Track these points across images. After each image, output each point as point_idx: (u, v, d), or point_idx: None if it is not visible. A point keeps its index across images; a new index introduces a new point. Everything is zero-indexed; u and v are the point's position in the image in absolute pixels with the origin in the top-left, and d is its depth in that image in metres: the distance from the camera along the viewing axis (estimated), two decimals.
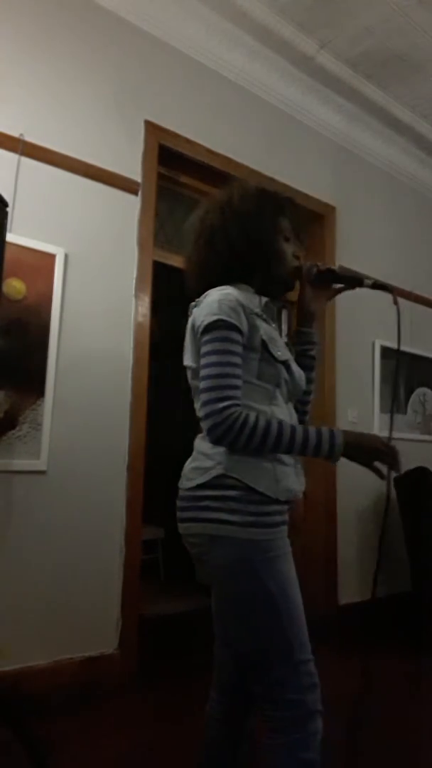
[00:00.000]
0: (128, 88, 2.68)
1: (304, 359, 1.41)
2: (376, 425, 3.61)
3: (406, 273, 3.92)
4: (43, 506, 2.25)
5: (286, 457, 1.21)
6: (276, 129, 3.31)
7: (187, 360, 1.25)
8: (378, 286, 1.35)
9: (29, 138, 2.34)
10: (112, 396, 2.48)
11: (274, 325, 1.30)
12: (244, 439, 1.11)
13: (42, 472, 2.26)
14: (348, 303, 3.40)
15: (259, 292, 1.29)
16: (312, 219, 3.50)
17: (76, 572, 2.30)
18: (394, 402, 1.42)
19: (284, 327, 3.39)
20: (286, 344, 1.33)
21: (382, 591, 3.50)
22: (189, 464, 1.25)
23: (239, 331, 1.16)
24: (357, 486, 3.43)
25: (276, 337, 1.25)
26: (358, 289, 1.39)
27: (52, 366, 2.30)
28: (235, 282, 1.26)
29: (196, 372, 1.22)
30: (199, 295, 1.26)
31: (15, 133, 2.30)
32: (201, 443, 1.22)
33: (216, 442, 1.13)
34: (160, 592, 3.76)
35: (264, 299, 1.27)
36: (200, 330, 1.18)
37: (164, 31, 2.81)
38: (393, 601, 3.44)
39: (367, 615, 3.30)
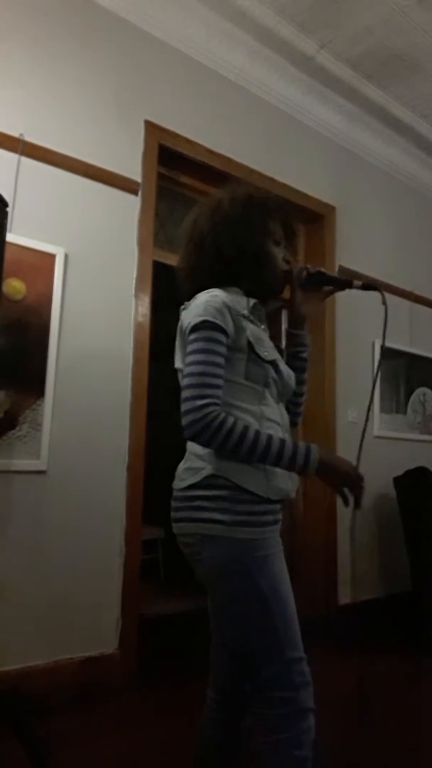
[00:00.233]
0: (128, 88, 2.68)
1: (296, 361, 1.42)
2: (376, 425, 3.61)
3: (406, 273, 3.92)
4: (43, 506, 2.25)
5: None
6: (276, 129, 3.31)
7: (177, 362, 1.27)
8: (367, 287, 1.37)
9: (29, 138, 2.34)
10: (112, 396, 2.48)
11: (263, 327, 1.31)
12: (220, 440, 1.12)
13: (42, 472, 2.26)
14: (348, 303, 3.40)
15: (249, 295, 1.30)
16: (312, 219, 3.51)
17: (76, 572, 2.30)
18: (370, 410, 1.42)
19: (283, 327, 3.39)
20: (276, 346, 1.35)
21: (382, 591, 3.51)
22: (182, 465, 1.26)
23: (224, 332, 1.18)
24: None
25: (263, 337, 1.27)
26: (357, 291, 1.39)
27: (52, 366, 2.30)
28: (225, 285, 1.28)
29: None
30: (189, 298, 1.27)
31: (15, 133, 2.30)
32: (193, 444, 1.23)
33: (192, 438, 1.14)
34: (160, 592, 3.76)
35: (252, 301, 1.28)
36: (187, 331, 1.21)
37: (164, 31, 2.81)
38: (393, 601, 3.45)
39: (367, 615, 3.31)
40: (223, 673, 1.31)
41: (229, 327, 1.18)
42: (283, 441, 1.17)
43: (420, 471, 3.26)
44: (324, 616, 3.08)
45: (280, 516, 1.26)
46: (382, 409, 3.67)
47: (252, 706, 1.19)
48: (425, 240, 4.17)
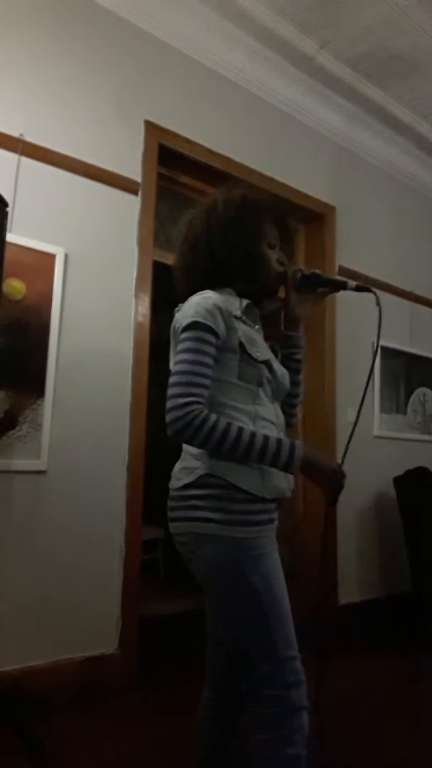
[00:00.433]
0: (128, 88, 2.68)
1: (291, 362, 1.43)
2: (376, 425, 3.61)
3: (406, 273, 3.92)
4: (43, 506, 2.25)
5: None
6: (276, 129, 3.31)
7: (171, 363, 1.27)
8: (360, 288, 1.37)
9: (29, 138, 2.34)
10: (112, 396, 2.48)
11: (257, 327, 1.32)
12: (202, 437, 1.12)
13: (42, 472, 2.26)
14: (348, 304, 3.40)
15: (243, 296, 1.30)
16: (312, 219, 3.51)
17: (76, 572, 2.30)
18: (361, 406, 1.44)
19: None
20: (272, 346, 1.36)
21: (382, 591, 3.51)
22: (178, 465, 1.27)
23: (214, 333, 1.18)
24: (357, 486, 3.43)
25: (256, 338, 1.27)
26: (355, 292, 1.40)
27: (52, 366, 2.30)
28: (219, 286, 1.29)
29: None
30: (185, 298, 1.28)
31: (15, 133, 2.30)
32: (190, 445, 1.23)
33: (174, 436, 1.15)
34: (160, 592, 3.76)
35: (245, 302, 1.29)
36: (178, 332, 1.22)
37: (164, 31, 2.81)
38: (393, 601, 3.45)
39: (367, 615, 3.31)
40: (219, 672, 1.32)
41: (220, 328, 1.19)
42: (267, 437, 1.17)
43: (420, 471, 3.26)
44: (324, 616, 3.08)
45: (275, 515, 1.27)
46: (382, 409, 3.67)
47: (246, 704, 1.19)
48: (425, 240, 4.16)
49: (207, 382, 1.17)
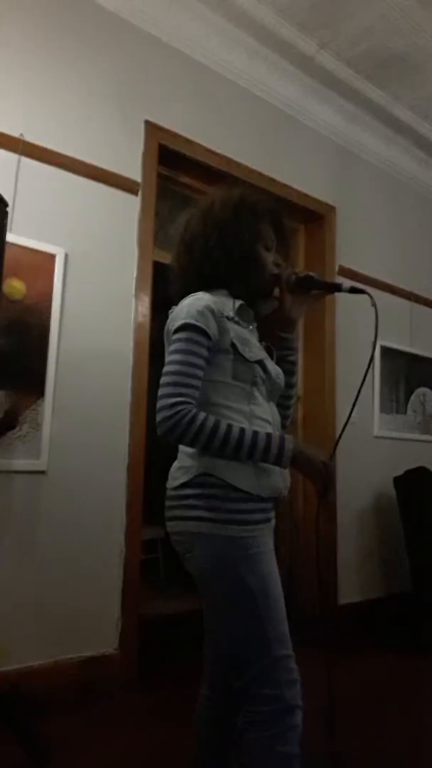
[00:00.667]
0: (128, 88, 2.68)
1: (284, 364, 1.43)
2: (376, 425, 3.61)
3: (406, 273, 3.92)
4: (43, 506, 2.25)
5: None
6: (276, 129, 3.31)
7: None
8: (355, 290, 1.39)
9: (29, 138, 2.34)
10: (112, 396, 2.48)
11: (251, 327, 1.33)
12: (191, 436, 1.13)
13: (42, 472, 2.26)
14: (348, 304, 3.40)
15: (238, 297, 1.31)
16: (312, 219, 3.51)
17: (76, 572, 2.30)
18: (355, 403, 1.45)
19: None
20: (267, 346, 1.36)
21: (382, 591, 3.51)
22: (175, 464, 1.28)
23: (205, 334, 1.19)
24: (357, 486, 3.43)
25: (248, 338, 1.28)
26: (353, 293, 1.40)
27: (52, 366, 2.30)
28: (214, 286, 1.29)
29: None
30: (181, 298, 1.29)
31: (15, 133, 2.30)
32: (182, 445, 1.24)
33: (163, 436, 1.15)
34: (160, 592, 3.76)
35: (238, 302, 1.29)
36: (171, 334, 1.23)
37: (164, 31, 2.81)
38: (393, 601, 3.45)
39: (367, 615, 3.31)
40: (216, 671, 1.32)
41: (212, 329, 1.20)
42: (256, 433, 1.18)
43: (420, 471, 3.26)
44: (323, 616, 3.08)
45: (271, 514, 1.28)
46: (382, 409, 3.67)
47: (239, 703, 1.19)
48: (425, 240, 4.17)
49: (197, 382, 1.17)
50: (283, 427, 1.40)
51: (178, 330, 1.20)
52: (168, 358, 1.20)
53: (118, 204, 2.58)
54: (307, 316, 3.44)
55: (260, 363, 1.27)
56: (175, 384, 1.15)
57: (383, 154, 3.88)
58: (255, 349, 1.28)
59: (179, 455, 1.27)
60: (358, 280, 3.56)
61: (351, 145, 3.71)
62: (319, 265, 3.45)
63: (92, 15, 2.60)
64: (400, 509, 3.31)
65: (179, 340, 1.19)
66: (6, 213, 1.86)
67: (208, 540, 1.16)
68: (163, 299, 1.37)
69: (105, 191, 2.55)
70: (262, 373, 1.27)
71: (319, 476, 1.24)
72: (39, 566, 2.22)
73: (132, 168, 2.64)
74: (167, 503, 1.26)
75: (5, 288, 2.16)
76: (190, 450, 1.22)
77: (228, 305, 1.27)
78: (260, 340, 1.36)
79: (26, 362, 2.25)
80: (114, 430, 2.47)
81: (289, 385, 1.43)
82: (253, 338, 1.31)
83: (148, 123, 2.72)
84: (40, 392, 2.27)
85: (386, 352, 3.71)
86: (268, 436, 1.19)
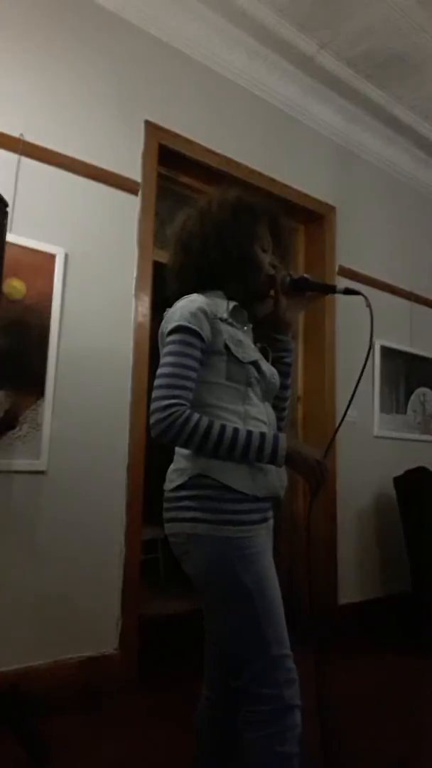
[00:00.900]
0: (128, 88, 2.68)
1: (280, 366, 1.43)
2: (376, 425, 3.61)
3: (406, 273, 3.92)
4: (43, 506, 2.25)
5: None
6: (276, 129, 3.31)
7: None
8: (349, 291, 1.39)
9: (29, 138, 2.34)
10: (112, 396, 2.48)
11: (245, 328, 1.33)
12: (185, 437, 1.14)
13: (42, 472, 2.26)
14: (348, 303, 3.40)
15: (234, 298, 1.31)
16: (312, 219, 3.51)
17: (76, 572, 2.30)
18: (351, 401, 1.46)
19: None
20: (263, 346, 1.37)
21: (381, 591, 3.51)
22: (171, 467, 1.28)
23: (198, 335, 1.19)
24: (357, 486, 3.43)
25: (242, 339, 1.28)
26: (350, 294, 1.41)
27: (52, 366, 2.30)
28: (210, 287, 1.30)
29: None
30: (177, 298, 1.29)
31: (15, 133, 2.30)
32: (176, 446, 1.24)
33: (158, 438, 1.15)
34: (160, 592, 3.76)
35: (232, 304, 1.29)
36: (164, 336, 1.23)
37: (164, 31, 2.81)
38: (393, 601, 3.45)
39: (367, 615, 3.31)
40: (215, 671, 1.32)
41: (205, 331, 1.20)
42: (250, 432, 1.18)
43: (420, 471, 3.26)
44: (323, 616, 3.08)
45: (268, 514, 1.28)
46: (382, 409, 3.67)
47: (238, 703, 1.20)
48: (425, 240, 4.17)
49: (190, 384, 1.17)
50: (279, 429, 1.40)
51: (171, 332, 1.21)
52: (162, 360, 1.20)
53: (118, 204, 2.58)
54: (307, 317, 3.48)
55: (254, 364, 1.27)
56: (168, 386, 1.15)
57: (383, 154, 3.88)
58: (249, 350, 1.28)
59: (175, 457, 1.28)
60: (358, 280, 3.56)
61: (351, 145, 3.71)
62: (319, 265, 3.45)
63: (92, 15, 2.60)
64: (400, 509, 3.31)
65: (172, 342, 1.19)
66: (6, 213, 1.86)
67: (205, 541, 1.17)
68: (163, 299, 1.38)
69: (105, 191, 2.55)
70: (256, 373, 1.27)
71: (312, 475, 1.24)
72: (39, 566, 2.22)
73: (132, 168, 2.64)
74: (164, 505, 1.27)
75: (5, 288, 2.16)
76: (185, 452, 1.23)
77: (222, 306, 1.27)
78: (255, 342, 1.37)
79: (26, 362, 2.25)
80: (114, 430, 2.47)
81: (284, 386, 1.44)
82: (248, 339, 1.31)
83: (148, 123, 2.72)
84: (40, 392, 2.27)
85: (386, 352, 3.71)
86: (262, 435, 1.19)
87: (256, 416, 1.25)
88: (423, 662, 2.81)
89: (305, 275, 1.41)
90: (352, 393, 1.47)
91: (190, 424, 1.13)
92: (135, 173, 2.65)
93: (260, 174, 3.12)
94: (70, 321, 2.38)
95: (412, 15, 2.90)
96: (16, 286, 2.24)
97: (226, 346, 1.23)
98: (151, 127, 2.72)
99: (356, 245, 3.65)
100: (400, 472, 3.32)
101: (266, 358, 1.37)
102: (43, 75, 2.43)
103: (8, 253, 1.98)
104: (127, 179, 2.61)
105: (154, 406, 1.15)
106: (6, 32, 2.35)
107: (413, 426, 3.88)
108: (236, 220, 1.30)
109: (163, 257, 2.91)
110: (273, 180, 3.18)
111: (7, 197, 1.96)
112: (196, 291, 1.28)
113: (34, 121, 2.37)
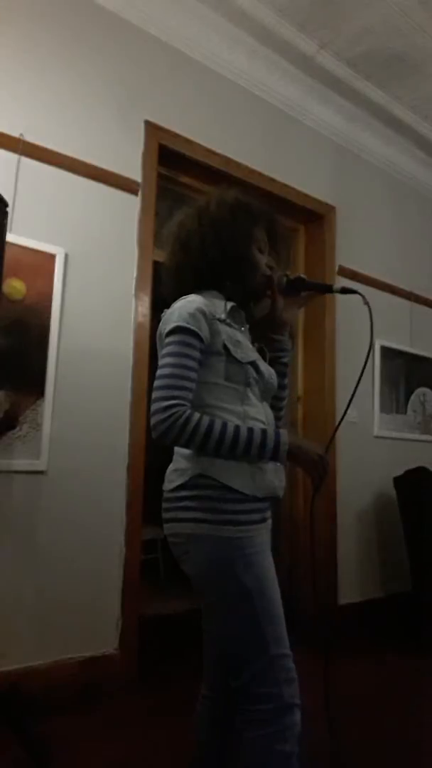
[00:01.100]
0: (128, 88, 2.68)
1: (277, 366, 1.43)
2: (376, 425, 3.61)
3: (406, 273, 3.92)
4: (43, 506, 2.25)
5: None
6: (276, 129, 3.31)
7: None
8: (346, 290, 1.40)
9: (29, 138, 2.34)
10: (112, 396, 2.48)
11: (243, 329, 1.34)
12: (187, 437, 1.14)
13: (42, 472, 2.26)
14: (348, 303, 3.40)
15: (231, 298, 1.32)
16: (312, 219, 3.51)
17: (76, 572, 2.30)
18: (351, 400, 1.47)
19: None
20: (260, 347, 1.37)
21: (381, 591, 3.51)
22: (170, 467, 1.28)
23: (197, 336, 1.20)
24: (357, 486, 3.43)
25: (241, 339, 1.28)
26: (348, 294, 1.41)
27: (52, 366, 2.30)
28: (207, 286, 1.30)
29: None
30: (173, 297, 1.30)
31: (15, 133, 2.30)
32: (177, 447, 1.24)
33: (159, 439, 1.15)
34: (160, 592, 3.76)
35: (230, 304, 1.30)
36: (163, 337, 1.23)
37: (164, 32, 2.81)
38: (393, 601, 3.45)
39: (367, 615, 3.30)
40: (214, 671, 1.33)
41: (204, 331, 1.20)
42: (251, 429, 1.18)
43: (420, 471, 3.26)
44: (323, 616, 3.08)
45: (267, 514, 1.28)
46: (382, 409, 3.67)
47: (238, 702, 1.20)
48: (425, 240, 4.16)
49: (190, 384, 1.18)
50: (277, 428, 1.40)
51: (170, 333, 1.20)
52: (161, 361, 1.20)
53: (118, 204, 2.58)
54: (307, 316, 3.47)
55: (252, 364, 1.28)
56: (168, 387, 1.15)
57: (383, 154, 3.88)
58: (247, 351, 1.28)
59: (174, 457, 1.28)
60: (358, 280, 3.56)
61: (351, 145, 3.71)
62: (319, 265, 3.46)
63: (92, 15, 2.60)
64: (400, 509, 3.31)
65: (171, 343, 1.19)
66: (6, 213, 1.86)
67: (205, 541, 1.17)
68: (163, 299, 1.38)
69: (105, 191, 2.55)
70: (254, 373, 1.28)
71: (315, 468, 1.25)
72: (39, 566, 2.22)
73: (132, 168, 2.64)
74: (163, 505, 1.27)
75: (5, 288, 2.16)
76: (185, 452, 1.23)
77: (219, 307, 1.28)
78: (253, 342, 1.37)
79: (26, 362, 2.25)
80: (114, 430, 2.47)
81: (282, 387, 1.44)
82: (246, 340, 1.32)
83: (148, 123, 2.72)
84: (40, 392, 2.27)
85: (386, 352, 3.71)
86: (264, 431, 1.20)
87: (255, 416, 1.25)
88: (423, 662, 2.81)
89: (301, 275, 1.41)
90: (352, 393, 1.47)
91: (191, 424, 1.13)
92: (135, 173, 2.65)
93: (260, 174, 3.12)
94: (70, 321, 2.38)
95: (412, 15, 2.90)
96: (16, 286, 2.24)
97: (225, 347, 1.23)
98: (151, 127, 2.72)
99: (356, 245, 3.65)
100: (400, 472, 3.32)
101: (263, 358, 1.37)
102: (43, 75, 2.43)
103: (8, 253, 1.98)
104: (127, 179, 2.61)
105: (154, 407, 1.15)
106: (6, 32, 2.35)
107: (413, 426, 3.88)
108: (234, 220, 1.31)
109: (164, 257, 2.92)
110: (273, 180, 3.18)
111: (7, 197, 1.96)
112: (193, 290, 1.28)
113: (34, 121, 2.37)
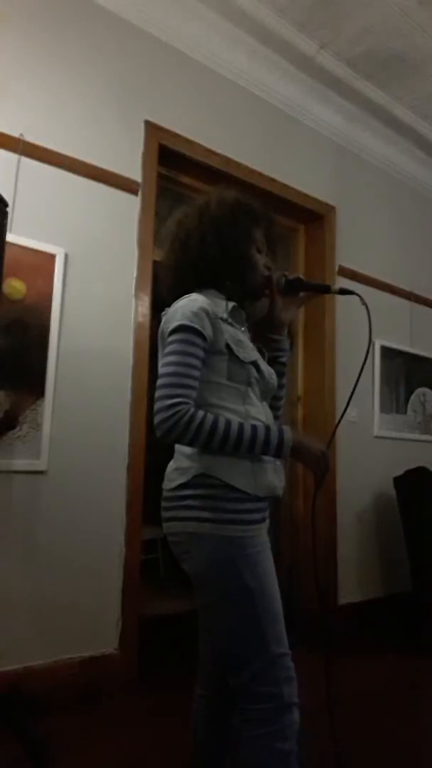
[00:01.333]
0: (128, 88, 2.68)
1: (275, 366, 1.44)
2: (376, 425, 3.61)
3: (406, 273, 3.92)
4: (43, 506, 2.25)
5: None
6: (276, 129, 3.31)
7: (160, 367, 1.28)
8: (344, 291, 1.42)
9: (29, 138, 2.34)
10: (112, 396, 2.48)
11: (243, 329, 1.34)
12: (191, 435, 1.14)
13: (42, 472, 2.26)
14: (348, 303, 3.40)
15: (230, 298, 1.32)
16: (312, 219, 3.51)
17: (76, 572, 2.30)
18: (350, 400, 1.48)
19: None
20: (259, 347, 1.38)
21: (381, 591, 3.50)
22: (171, 465, 1.28)
23: (200, 335, 1.20)
24: (357, 486, 3.43)
25: (243, 339, 1.29)
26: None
27: (52, 366, 2.30)
28: (207, 286, 1.31)
29: None
30: (171, 295, 1.30)
31: (15, 133, 2.30)
32: (181, 445, 1.25)
33: (163, 437, 1.16)
34: (160, 592, 3.76)
35: (231, 304, 1.30)
36: (166, 336, 1.24)
37: (164, 31, 2.81)
38: (393, 601, 3.45)
39: (367, 615, 3.31)
40: (212, 670, 1.33)
41: (207, 330, 1.21)
42: (254, 427, 1.19)
43: (420, 471, 3.26)
44: (323, 616, 3.08)
45: (267, 514, 1.29)
46: (382, 409, 3.67)
47: (237, 701, 1.20)
48: (425, 240, 4.16)
49: (194, 383, 1.18)
50: None
51: (173, 332, 1.20)
52: (164, 360, 1.20)
53: (118, 204, 2.58)
54: (307, 316, 3.47)
55: (254, 364, 1.29)
56: (171, 385, 1.16)
57: (383, 154, 3.88)
58: (249, 350, 1.29)
59: (176, 456, 1.28)
60: (358, 280, 3.56)
61: (351, 145, 3.71)
62: (319, 265, 3.46)
63: (92, 15, 2.60)
64: (400, 509, 3.31)
65: (175, 341, 1.19)
66: (6, 213, 1.86)
67: (208, 540, 1.17)
68: (163, 299, 1.38)
69: (105, 191, 2.55)
70: (255, 373, 1.29)
71: (317, 464, 1.26)
72: (39, 566, 2.22)
73: (132, 168, 2.64)
74: (164, 504, 1.27)
75: (5, 288, 2.16)
76: (187, 451, 1.23)
77: (221, 306, 1.28)
78: (252, 342, 1.37)
79: (26, 362, 2.25)
80: (114, 430, 2.47)
81: (280, 386, 1.45)
82: (247, 339, 1.32)
83: (148, 123, 2.72)
84: (40, 392, 2.27)
85: (386, 352, 3.71)
86: (267, 428, 1.20)
87: (255, 416, 1.26)
88: (423, 662, 2.81)
89: (300, 276, 1.43)
90: (350, 392, 1.48)
91: (195, 422, 1.13)
92: (135, 173, 2.65)
93: (260, 174, 3.12)
94: (70, 321, 2.38)
95: (412, 15, 2.90)
96: (16, 286, 2.24)
97: (228, 346, 1.24)
98: (151, 127, 2.72)
99: (356, 245, 3.65)
100: (400, 472, 3.32)
101: (262, 358, 1.38)
102: (43, 75, 2.43)
103: (8, 253, 1.98)
104: (127, 179, 2.61)
105: (158, 405, 1.15)
106: (6, 32, 2.35)
107: (413, 426, 3.88)
108: (235, 220, 1.32)
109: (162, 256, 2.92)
110: (273, 180, 3.18)
111: (7, 197, 1.95)
112: (193, 289, 1.29)
113: (34, 121, 2.37)
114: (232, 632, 1.19)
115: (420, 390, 3.96)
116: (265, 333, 1.44)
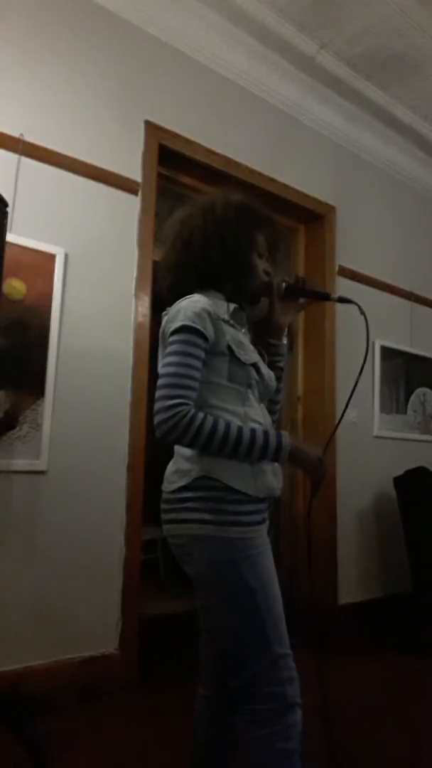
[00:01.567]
0: (128, 88, 2.68)
1: (273, 370, 1.44)
2: (376, 425, 3.61)
3: (406, 273, 3.92)
4: (43, 506, 2.25)
5: None
6: (276, 129, 3.31)
7: (160, 367, 1.28)
8: (343, 300, 1.43)
9: (29, 138, 2.33)
10: (112, 396, 2.48)
11: (243, 330, 1.35)
12: (191, 436, 1.14)
13: (42, 472, 2.26)
14: (348, 304, 3.40)
15: (231, 300, 1.33)
16: (312, 219, 3.51)
17: (76, 572, 2.30)
18: (349, 401, 1.48)
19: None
20: (258, 350, 1.38)
21: (381, 591, 3.50)
22: (170, 467, 1.28)
23: (202, 336, 1.20)
24: (357, 486, 3.43)
25: (243, 341, 1.30)
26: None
27: (52, 366, 2.30)
28: (207, 286, 1.31)
29: None
30: (170, 294, 1.31)
31: (15, 133, 2.30)
32: (181, 447, 1.25)
33: (162, 438, 1.16)
34: (160, 592, 3.76)
35: (232, 306, 1.31)
36: (167, 336, 1.23)
37: (164, 31, 2.81)
38: (393, 601, 3.45)
39: (367, 615, 3.31)
40: (213, 670, 1.33)
41: (209, 331, 1.21)
42: (253, 431, 1.19)
43: (420, 471, 3.26)
44: (323, 616, 3.08)
45: (266, 515, 1.29)
46: (382, 409, 3.67)
47: (239, 702, 1.20)
48: (425, 240, 4.16)
49: (194, 383, 1.18)
50: None
51: (175, 332, 1.20)
52: (165, 360, 1.20)
53: (118, 204, 2.58)
54: (307, 317, 3.47)
55: (254, 365, 1.29)
56: (172, 386, 1.16)
57: (383, 154, 3.88)
58: (250, 352, 1.30)
59: (175, 458, 1.28)
60: (358, 280, 3.56)
61: (351, 145, 3.71)
62: (319, 265, 3.45)
63: (92, 15, 2.60)
64: (400, 509, 3.31)
65: (176, 342, 1.19)
66: (6, 213, 1.86)
67: (210, 542, 1.17)
68: (163, 299, 1.38)
69: (105, 191, 2.55)
70: (256, 375, 1.29)
71: (314, 471, 1.26)
72: (39, 566, 2.22)
73: (132, 168, 2.64)
74: (164, 506, 1.26)
75: (5, 288, 2.16)
76: (187, 452, 1.23)
77: (222, 308, 1.29)
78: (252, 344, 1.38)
79: (26, 362, 2.25)
80: (114, 430, 2.47)
81: (277, 390, 1.46)
82: (247, 341, 1.33)
83: (148, 123, 2.72)
84: (40, 392, 2.27)
85: (386, 352, 3.71)
86: (266, 432, 1.20)
87: (254, 418, 1.26)
88: (423, 662, 2.81)
89: (303, 277, 1.44)
90: (350, 393, 1.48)
91: (195, 423, 1.13)
92: (135, 173, 2.65)
93: (260, 174, 3.12)
94: (70, 321, 2.38)
95: (412, 15, 2.90)
96: (16, 286, 2.24)
97: (229, 348, 1.24)
98: (151, 127, 2.72)
99: (356, 245, 3.65)
100: (400, 472, 3.32)
101: (262, 360, 1.38)
102: (43, 75, 2.43)
103: (8, 253, 1.98)
104: (127, 179, 2.60)
105: (158, 405, 1.15)
106: (6, 32, 2.35)
107: (413, 426, 3.88)
108: (239, 223, 1.32)
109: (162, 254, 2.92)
110: (273, 180, 3.18)
111: (7, 197, 1.95)
112: (193, 288, 1.29)
113: (34, 121, 2.37)
114: (233, 633, 1.20)
115: (420, 390, 3.96)
116: (263, 336, 1.45)
